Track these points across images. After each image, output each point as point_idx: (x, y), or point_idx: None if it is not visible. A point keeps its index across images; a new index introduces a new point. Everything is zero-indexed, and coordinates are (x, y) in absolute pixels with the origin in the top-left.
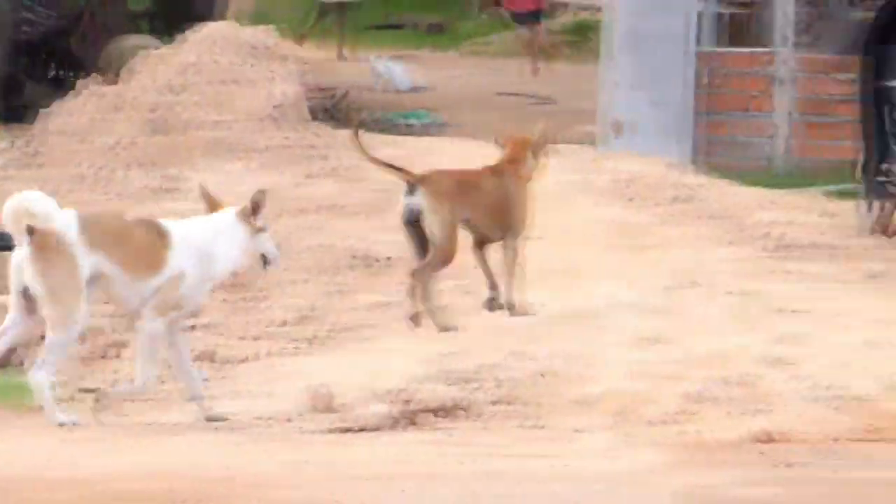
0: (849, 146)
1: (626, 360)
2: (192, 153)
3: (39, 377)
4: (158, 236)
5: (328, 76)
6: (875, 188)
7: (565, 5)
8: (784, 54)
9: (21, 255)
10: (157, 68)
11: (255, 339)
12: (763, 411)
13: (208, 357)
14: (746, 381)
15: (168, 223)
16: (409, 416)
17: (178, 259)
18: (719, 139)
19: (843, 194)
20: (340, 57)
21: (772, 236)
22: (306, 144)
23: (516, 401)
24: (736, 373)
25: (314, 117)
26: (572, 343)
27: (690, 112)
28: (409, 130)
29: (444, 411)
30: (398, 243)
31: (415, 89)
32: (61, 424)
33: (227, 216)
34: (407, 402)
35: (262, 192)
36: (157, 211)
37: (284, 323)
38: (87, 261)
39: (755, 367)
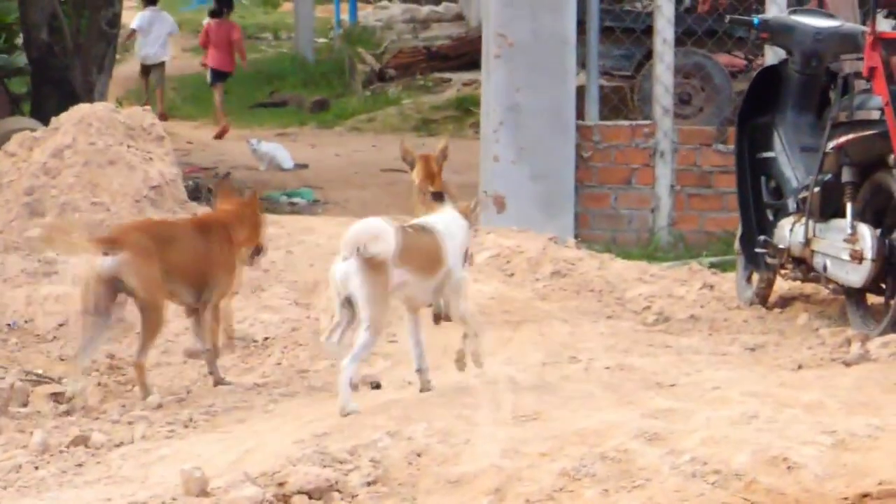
0: (731, 217)
1: (502, 438)
2: (70, 236)
3: (350, 368)
4: (434, 238)
5: (211, 155)
6: (753, 260)
7: (448, 80)
8: (665, 126)
9: (347, 268)
10: (32, 151)
11: (130, 423)
12: (641, 487)
13: (82, 442)
14: (624, 458)
15: (434, 222)
16: (284, 499)
17: (449, 256)
18: (601, 212)
19: (725, 266)
20: (163, 118)
21: (651, 310)
22: None
23: (392, 481)
24: (613, 449)
25: (197, 197)
26: (448, 421)
27: (571, 186)
28: (293, 209)
29: (318, 493)
30: (274, 324)
31: (298, 167)
32: (347, 414)
33: (457, 214)
34: (281, 484)
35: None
36: (35, 295)
37: (160, 406)
38: (395, 274)
39: (632, 443)
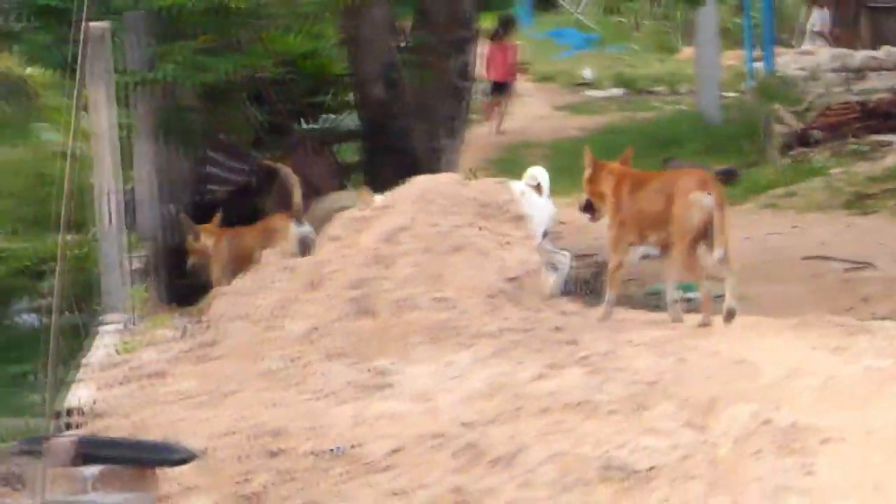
0: None
1: None
2: (406, 340)
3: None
4: None
5: (587, 239)
6: None
7: (888, 144)
8: None
9: None
10: (360, 234)
11: None
12: None
13: None
14: None
15: None
16: None
17: None
18: None
19: None
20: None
21: None
22: (550, 327)
23: None
24: None
25: (569, 292)
26: None
27: None
28: (689, 306)
29: None
30: (661, 450)
31: None
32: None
33: None
34: None
35: None
36: (365, 414)
37: None
38: None
39: None
